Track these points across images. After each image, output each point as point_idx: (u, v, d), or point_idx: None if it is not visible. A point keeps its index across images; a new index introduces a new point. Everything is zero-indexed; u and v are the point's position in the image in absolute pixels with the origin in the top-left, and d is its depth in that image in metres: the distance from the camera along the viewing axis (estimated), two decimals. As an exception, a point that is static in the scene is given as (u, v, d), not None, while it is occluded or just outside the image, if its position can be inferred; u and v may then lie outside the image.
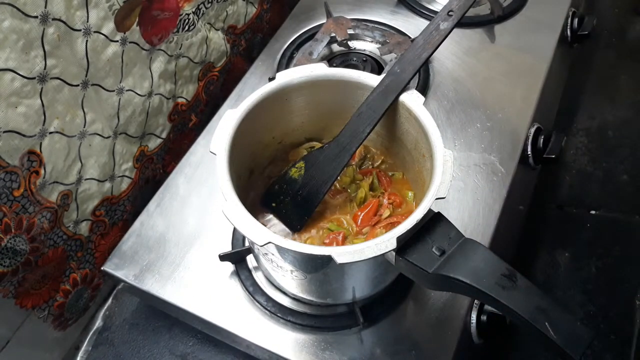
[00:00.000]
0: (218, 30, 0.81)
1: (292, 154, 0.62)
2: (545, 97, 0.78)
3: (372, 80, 0.54)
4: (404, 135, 0.55)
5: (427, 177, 0.51)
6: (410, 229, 0.43)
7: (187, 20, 0.73)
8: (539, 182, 0.84)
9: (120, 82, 0.65)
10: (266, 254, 0.53)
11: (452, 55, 0.82)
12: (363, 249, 0.42)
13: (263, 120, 0.56)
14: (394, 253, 0.43)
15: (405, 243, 0.43)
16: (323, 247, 0.44)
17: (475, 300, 0.59)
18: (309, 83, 0.55)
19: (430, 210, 0.44)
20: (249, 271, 0.63)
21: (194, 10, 0.74)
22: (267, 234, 0.44)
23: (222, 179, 0.48)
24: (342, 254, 0.42)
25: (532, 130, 0.73)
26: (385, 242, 0.42)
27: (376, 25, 0.84)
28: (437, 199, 0.45)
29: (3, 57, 0.49)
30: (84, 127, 0.61)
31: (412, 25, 0.85)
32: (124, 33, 0.63)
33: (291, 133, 0.61)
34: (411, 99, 0.51)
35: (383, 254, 0.42)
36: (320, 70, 0.55)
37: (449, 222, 0.44)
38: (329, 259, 0.42)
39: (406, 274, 0.46)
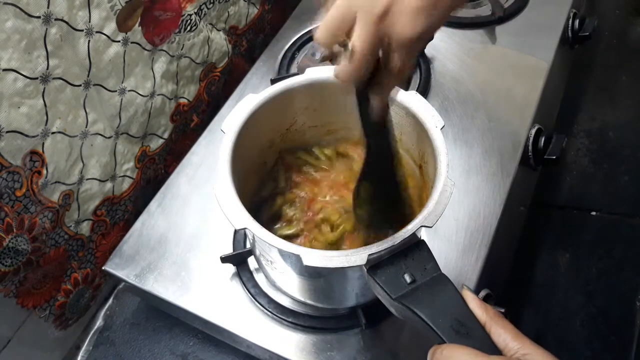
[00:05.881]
0: (219, 30, 0.82)
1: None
2: (546, 98, 0.78)
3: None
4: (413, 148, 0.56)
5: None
6: (385, 249, 0.42)
7: (188, 21, 0.73)
8: (539, 183, 0.84)
9: (122, 83, 0.65)
10: (263, 255, 0.53)
11: (453, 56, 0.82)
12: (332, 257, 0.42)
13: (284, 111, 0.56)
14: (365, 269, 0.43)
15: (379, 262, 0.43)
16: (295, 245, 0.44)
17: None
18: (336, 83, 0.55)
19: (413, 236, 0.44)
20: (250, 273, 0.63)
21: (195, 10, 0.74)
22: (246, 220, 0.44)
23: (223, 158, 0.48)
24: (311, 256, 0.42)
25: (533, 131, 0.73)
26: (355, 256, 0.42)
27: (377, 26, 0.84)
28: (423, 227, 0.44)
29: (6, 57, 0.49)
30: (86, 127, 0.61)
31: (413, 26, 0.85)
32: (126, 33, 0.63)
33: (301, 133, 0.61)
34: (431, 120, 0.51)
35: (352, 267, 0.42)
36: None
37: (430, 252, 0.44)
38: (297, 257, 0.42)
39: (375, 293, 0.45)
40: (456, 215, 0.65)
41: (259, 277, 0.62)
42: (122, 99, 0.66)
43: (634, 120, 0.99)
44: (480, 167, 0.69)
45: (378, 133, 0.47)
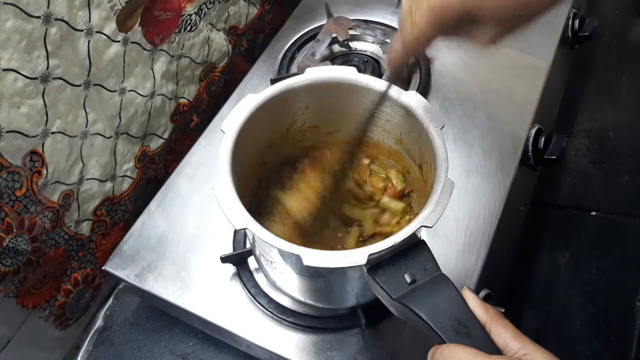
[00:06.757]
0: (219, 30, 0.82)
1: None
2: (546, 98, 0.78)
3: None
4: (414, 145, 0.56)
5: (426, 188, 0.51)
6: (386, 249, 0.42)
7: (188, 21, 0.73)
8: (539, 183, 0.84)
9: (122, 83, 0.65)
10: (263, 255, 0.53)
11: (453, 56, 0.82)
12: (332, 257, 0.42)
13: (284, 111, 0.56)
14: (365, 269, 0.43)
15: (380, 262, 0.43)
16: (295, 245, 0.44)
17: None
18: (337, 83, 0.55)
19: (413, 236, 0.44)
20: (250, 273, 0.63)
21: (195, 10, 0.74)
22: (246, 220, 0.44)
23: (223, 158, 0.48)
24: (311, 256, 0.42)
25: (533, 131, 0.73)
26: (355, 256, 0.42)
27: (377, 25, 0.84)
28: (423, 227, 0.44)
29: (6, 57, 0.49)
30: (86, 127, 0.61)
31: (414, 26, 0.84)
32: (126, 33, 0.63)
33: (301, 133, 0.61)
34: (431, 120, 0.51)
35: (352, 267, 0.42)
36: (351, 74, 0.55)
37: (430, 252, 0.44)
38: (297, 258, 0.42)
39: (375, 293, 0.45)
40: (456, 215, 0.65)
41: (259, 277, 0.62)
42: (122, 99, 0.66)
43: (634, 120, 0.99)
44: (480, 167, 0.69)
45: None
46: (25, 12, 0.50)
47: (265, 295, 0.61)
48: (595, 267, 0.82)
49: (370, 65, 0.80)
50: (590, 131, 0.98)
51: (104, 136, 0.64)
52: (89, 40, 0.58)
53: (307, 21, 0.88)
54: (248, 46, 0.90)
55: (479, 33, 0.44)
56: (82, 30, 0.57)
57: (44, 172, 0.56)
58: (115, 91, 0.64)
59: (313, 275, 0.53)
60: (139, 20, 0.65)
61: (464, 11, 0.41)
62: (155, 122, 0.73)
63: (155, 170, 0.77)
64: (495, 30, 0.43)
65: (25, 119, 0.53)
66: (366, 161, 0.62)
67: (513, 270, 0.78)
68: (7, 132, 0.51)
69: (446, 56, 0.82)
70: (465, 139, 0.72)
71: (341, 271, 0.49)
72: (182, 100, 0.78)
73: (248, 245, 0.64)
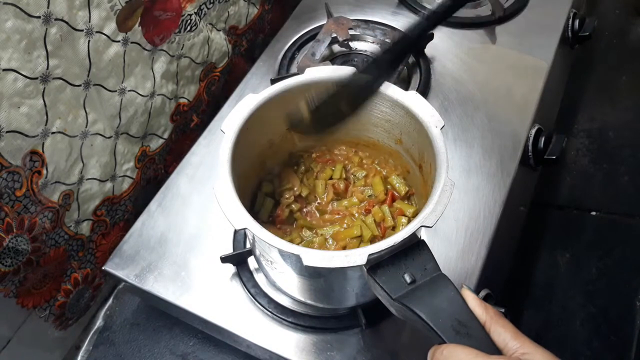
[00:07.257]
0: (219, 30, 0.82)
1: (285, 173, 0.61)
2: (546, 98, 0.78)
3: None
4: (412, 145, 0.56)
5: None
6: (386, 249, 0.43)
7: (188, 21, 0.73)
8: (539, 183, 0.84)
9: (122, 83, 0.65)
10: (263, 255, 0.53)
11: (453, 56, 0.82)
12: (332, 257, 0.42)
13: (284, 112, 0.56)
14: (364, 269, 0.43)
15: (379, 262, 0.43)
16: (295, 245, 0.44)
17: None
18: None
19: (413, 236, 0.44)
20: (250, 273, 0.63)
21: (195, 10, 0.74)
22: (246, 220, 0.45)
23: (223, 158, 0.48)
24: (311, 256, 0.42)
25: (533, 131, 0.73)
26: (355, 256, 0.42)
27: (377, 25, 0.84)
28: (423, 226, 0.44)
29: (6, 57, 0.49)
30: (86, 127, 0.61)
31: (414, 26, 0.84)
32: (126, 33, 0.63)
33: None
34: (431, 120, 0.51)
35: (352, 267, 0.42)
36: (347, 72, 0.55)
37: (430, 253, 0.44)
38: (297, 258, 0.42)
39: (375, 293, 0.45)
40: (456, 215, 0.65)
41: (259, 277, 0.62)
42: (122, 99, 0.66)
43: (634, 120, 0.99)
44: (480, 167, 0.69)
45: None
46: (25, 12, 0.50)
47: (265, 295, 0.61)
48: (595, 267, 0.82)
49: (370, 65, 0.80)
50: (590, 131, 0.98)
51: (104, 136, 0.64)
52: (89, 40, 0.58)
53: (307, 21, 0.88)
54: (248, 46, 0.90)
55: None
56: (82, 30, 0.57)
57: (44, 172, 0.56)
58: (115, 91, 0.64)
59: (313, 275, 0.53)
60: (139, 20, 0.65)
61: None
62: (155, 122, 0.73)
63: (155, 170, 0.77)
64: None
65: (25, 119, 0.53)
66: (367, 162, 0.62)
67: (513, 270, 0.78)
68: (7, 132, 0.51)
69: (446, 56, 0.82)
70: (465, 139, 0.72)
71: (341, 271, 0.49)
72: (182, 100, 0.78)
73: (248, 245, 0.64)
